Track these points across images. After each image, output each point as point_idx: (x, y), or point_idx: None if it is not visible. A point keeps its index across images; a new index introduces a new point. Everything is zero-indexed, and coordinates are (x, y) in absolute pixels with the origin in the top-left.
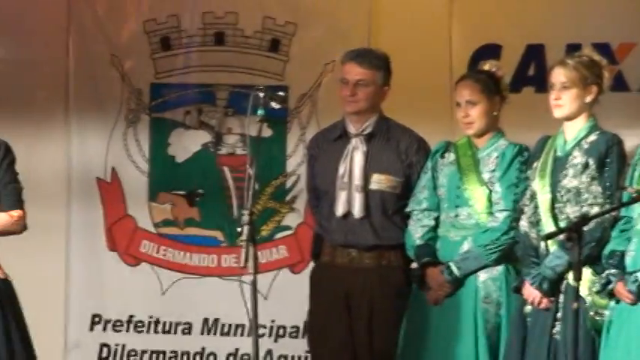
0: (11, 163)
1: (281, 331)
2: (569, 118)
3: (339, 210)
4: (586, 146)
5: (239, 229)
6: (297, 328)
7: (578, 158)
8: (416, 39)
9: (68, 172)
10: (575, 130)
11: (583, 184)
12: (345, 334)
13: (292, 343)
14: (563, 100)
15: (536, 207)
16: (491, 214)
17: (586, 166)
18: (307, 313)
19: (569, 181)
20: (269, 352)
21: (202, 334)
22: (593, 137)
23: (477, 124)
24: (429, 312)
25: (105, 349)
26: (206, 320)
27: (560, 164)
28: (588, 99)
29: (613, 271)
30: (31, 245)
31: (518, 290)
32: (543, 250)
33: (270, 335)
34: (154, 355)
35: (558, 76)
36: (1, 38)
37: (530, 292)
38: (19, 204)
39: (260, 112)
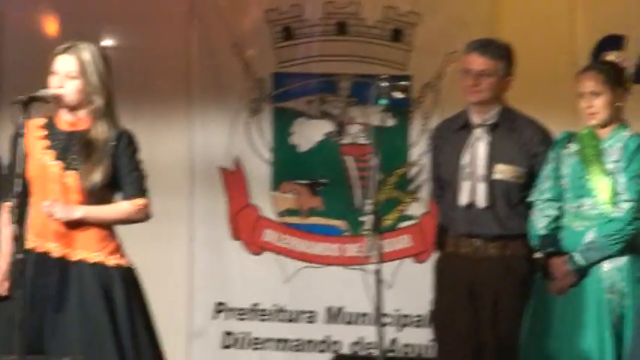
0: (134, 151)
1: (405, 320)
2: None
3: (463, 200)
4: None
5: (362, 219)
6: (421, 317)
7: None
8: (538, 29)
9: (191, 161)
10: None
11: None
12: (470, 323)
13: (416, 332)
14: None
15: None
16: (615, 204)
17: None
18: (431, 302)
19: None
20: (393, 341)
21: (326, 322)
22: None
23: (600, 114)
24: (552, 302)
25: (228, 338)
26: (329, 309)
27: None
28: None
29: None
30: (155, 234)
31: None
32: None
33: (394, 324)
34: (278, 344)
35: None
36: (124, 27)
37: None
38: (142, 192)
39: (383, 101)
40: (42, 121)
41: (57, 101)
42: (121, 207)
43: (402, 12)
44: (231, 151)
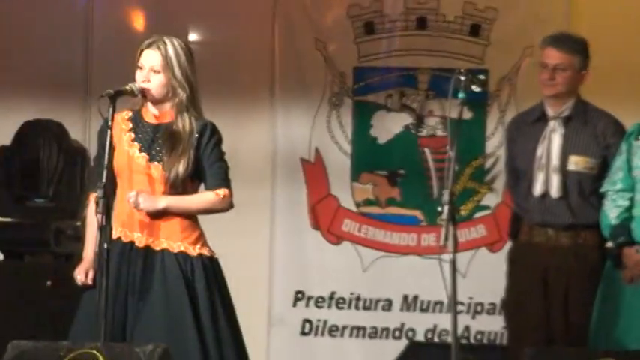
0: (217, 143)
1: (479, 308)
2: None
3: (537, 190)
4: None
5: (439, 209)
6: (495, 305)
7: None
8: (614, 25)
9: (273, 152)
10: None
11: None
12: (542, 310)
13: (489, 320)
14: None
15: None
16: None
17: None
18: (505, 290)
19: None
20: (467, 328)
21: (402, 310)
22: None
23: None
24: (623, 290)
25: (307, 325)
26: (405, 297)
27: None
28: None
29: None
30: (237, 223)
31: None
32: None
33: (467, 312)
34: (355, 331)
35: None
36: (210, 22)
37: None
38: (225, 183)
39: (461, 95)
40: (128, 114)
41: (143, 95)
42: (204, 197)
43: (481, 8)
44: (312, 143)
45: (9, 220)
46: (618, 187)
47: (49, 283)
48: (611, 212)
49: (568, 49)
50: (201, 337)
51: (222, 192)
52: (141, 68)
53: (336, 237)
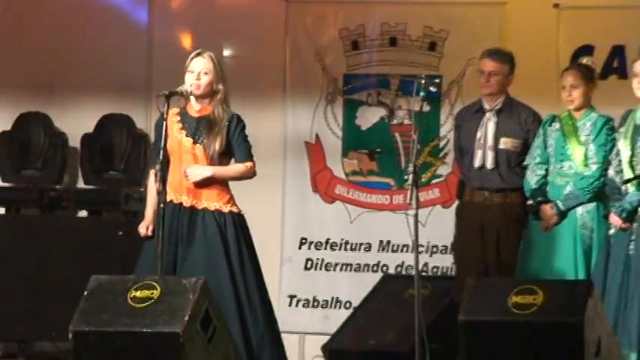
0: (242, 128)
1: (435, 249)
2: None
3: (477, 163)
4: None
5: (405, 177)
6: (447, 247)
7: None
8: (532, 42)
9: (284, 136)
10: None
11: None
12: (480, 252)
13: (443, 258)
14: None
15: (620, 160)
16: (587, 165)
17: None
18: (453, 236)
19: None
20: (425, 264)
21: (378, 251)
22: None
23: (577, 101)
24: (540, 235)
25: (309, 262)
26: (381, 242)
27: (637, 130)
28: None
29: None
30: (257, 188)
31: (606, 217)
32: (624, 190)
33: (426, 252)
34: (344, 267)
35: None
36: (239, 41)
37: (614, 219)
38: (250, 157)
39: (422, 94)
40: (177, 110)
41: (190, 94)
42: (236, 167)
43: (436, 30)
44: (313, 130)
45: (91, 187)
46: (537, 161)
47: (120, 233)
48: (532, 179)
49: (499, 60)
50: (232, 274)
51: (248, 164)
52: (191, 72)
53: (330, 198)
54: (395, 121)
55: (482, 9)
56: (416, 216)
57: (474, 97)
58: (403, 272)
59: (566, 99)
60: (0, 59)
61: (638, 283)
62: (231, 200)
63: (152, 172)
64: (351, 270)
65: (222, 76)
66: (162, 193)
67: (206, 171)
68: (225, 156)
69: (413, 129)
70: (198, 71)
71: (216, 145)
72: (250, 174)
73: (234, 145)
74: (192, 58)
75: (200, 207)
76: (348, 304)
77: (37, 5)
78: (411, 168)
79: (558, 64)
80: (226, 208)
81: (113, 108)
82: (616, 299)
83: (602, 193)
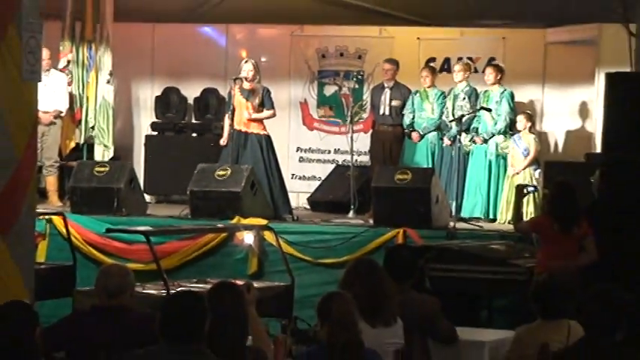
0: (269, 94)
1: (360, 152)
2: None
3: (380, 112)
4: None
5: (347, 119)
6: (366, 152)
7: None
8: (411, 52)
9: (289, 99)
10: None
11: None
12: (382, 154)
13: (364, 158)
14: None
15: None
16: (433, 113)
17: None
18: (369, 147)
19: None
20: (356, 160)
21: (334, 154)
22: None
23: (423, 81)
24: (411, 147)
25: (301, 158)
26: (335, 149)
27: (451, 97)
28: None
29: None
30: (277, 123)
31: (441, 139)
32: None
33: (356, 154)
34: (317, 161)
35: None
36: (265, 52)
37: (446, 140)
38: (272, 108)
39: (354, 79)
40: (238, 86)
41: (244, 79)
42: (265, 114)
43: (362, 49)
44: (303, 96)
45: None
46: (409, 110)
47: (212, 144)
48: (407, 119)
49: (393, 63)
50: (264, 164)
51: (272, 111)
52: (244, 70)
53: (311, 128)
54: (342, 92)
55: (382, 40)
56: (351, 137)
57: (379, 80)
58: (346, 163)
59: (423, 80)
60: None
61: (451, 169)
62: (265, 128)
63: (227, 115)
64: (320, 162)
65: (258, 71)
66: (231, 125)
67: (259, 114)
68: (260, 107)
69: (350, 97)
70: (247, 69)
71: (256, 102)
72: (272, 116)
73: (265, 102)
74: (245, 62)
75: (249, 131)
76: (319, 178)
77: (166, 32)
78: (349, 114)
79: (419, 65)
80: (262, 132)
81: (210, 84)
82: (445, 177)
83: (439, 126)
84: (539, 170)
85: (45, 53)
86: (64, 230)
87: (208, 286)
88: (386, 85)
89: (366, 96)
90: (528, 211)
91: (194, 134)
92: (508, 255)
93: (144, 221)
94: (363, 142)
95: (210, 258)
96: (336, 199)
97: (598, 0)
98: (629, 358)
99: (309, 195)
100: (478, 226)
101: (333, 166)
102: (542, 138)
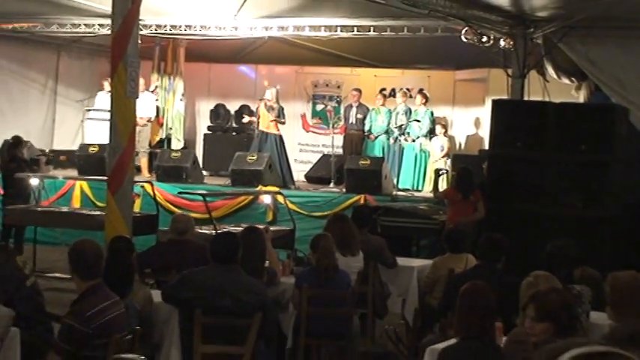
0: (283, 110)
1: (337, 148)
2: None
3: (349, 121)
4: None
5: (332, 125)
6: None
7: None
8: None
9: (294, 112)
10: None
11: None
12: (352, 146)
13: (341, 150)
14: None
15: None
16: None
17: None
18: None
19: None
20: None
21: (322, 147)
22: None
23: (377, 103)
24: (376, 144)
25: (300, 149)
26: (323, 144)
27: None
28: None
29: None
30: (286, 129)
31: (395, 140)
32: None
33: (335, 148)
34: (311, 150)
35: None
36: (278, 82)
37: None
38: (284, 118)
39: (334, 102)
40: (263, 103)
41: (268, 100)
42: (280, 121)
43: (340, 83)
44: (303, 110)
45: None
46: (368, 120)
47: (245, 139)
48: (369, 124)
49: (358, 91)
50: (278, 152)
51: (284, 120)
52: (267, 94)
53: (307, 130)
54: (327, 108)
55: (352, 76)
56: (333, 137)
57: (349, 102)
58: (329, 153)
59: (377, 103)
60: None
61: (394, 158)
62: (279, 130)
63: (254, 123)
64: (313, 152)
65: (277, 96)
66: (257, 127)
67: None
68: (277, 117)
69: (332, 111)
70: (269, 93)
71: (274, 114)
72: (284, 124)
73: (280, 114)
74: (268, 89)
75: (269, 132)
76: (312, 162)
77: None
78: (331, 123)
79: (375, 93)
80: (277, 133)
81: (245, 102)
82: (390, 163)
83: (387, 131)
84: (449, 160)
85: (141, 80)
86: (151, 192)
87: (241, 229)
88: (354, 104)
89: (342, 111)
90: (442, 185)
91: (234, 133)
92: (429, 212)
93: (202, 187)
94: (339, 140)
95: (243, 211)
96: (323, 176)
97: (487, 53)
98: (505, 280)
99: (305, 172)
100: (410, 194)
101: (320, 155)
102: (451, 140)
